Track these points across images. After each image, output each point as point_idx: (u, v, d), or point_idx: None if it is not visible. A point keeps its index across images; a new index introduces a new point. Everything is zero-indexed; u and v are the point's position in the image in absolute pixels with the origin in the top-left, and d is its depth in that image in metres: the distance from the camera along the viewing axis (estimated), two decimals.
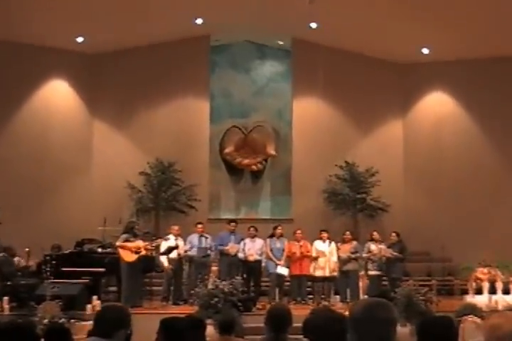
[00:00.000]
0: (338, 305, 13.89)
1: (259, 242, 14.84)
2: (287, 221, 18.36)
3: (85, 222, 17.94)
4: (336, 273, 14.76)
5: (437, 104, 19.87)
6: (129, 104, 19.66)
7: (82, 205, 18.81)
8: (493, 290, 14.65)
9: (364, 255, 14.94)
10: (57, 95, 19.19)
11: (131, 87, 19.66)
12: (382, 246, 14.97)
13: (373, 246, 14.99)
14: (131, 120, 19.82)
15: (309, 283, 15.10)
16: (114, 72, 19.78)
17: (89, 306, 12.60)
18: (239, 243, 14.76)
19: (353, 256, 14.86)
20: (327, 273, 14.67)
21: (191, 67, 19.64)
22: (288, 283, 15.06)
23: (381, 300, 3.11)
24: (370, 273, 14.91)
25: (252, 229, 14.97)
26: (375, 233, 15.37)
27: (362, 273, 15.11)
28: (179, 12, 17.49)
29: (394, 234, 15.32)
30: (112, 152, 19.48)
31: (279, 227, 15.15)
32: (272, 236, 15.04)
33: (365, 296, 14.05)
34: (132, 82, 19.67)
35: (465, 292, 15.31)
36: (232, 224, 15.12)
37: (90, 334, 4.19)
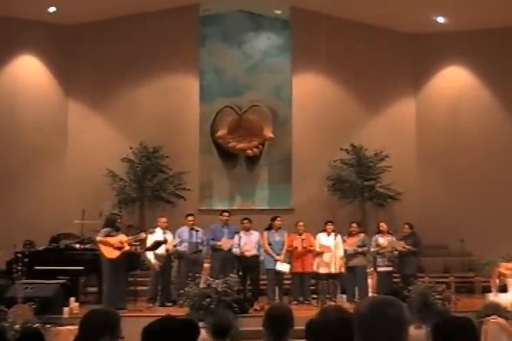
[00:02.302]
0: (345, 305, 13.88)
1: (255, 235, 14.81)
2: (287, 211, 18.39)
3: (61, 214, 17.92)
4: (342, 270, 14.75)
5: (454, 79, 19.80)
6: (108, 82, 19.59)
7: (57, 196, 18.77)
8: None
9: (372, 249, 14.93)
10: (27, 72, 19.06)
11: (110, 63, 19.59)
12: (393, 239, 14.97)
13: (381, 239, 14.98)
14: (111, 100, 19.76)
15: (313, 281, 15.11)
16: (91, 46, 19.68)
17: (66, 309, 12.58)
18: (233, 236, 14.73)
19: (359, 250, 14.85)
20: (332, 270, 14.63)
21: (178, 40, 19.58)
22: (289, 281, 15.07)
23: (389, 297, 3.09)
24: (380, 269, 14.90)
25: (245, 221, 14.93)
26: (382, 224, 15.36)
27: (371, 269, 15.11)
28: None
29: (407, 226, 15.32)
30: (90, 136, 19.43)
31: (278, 219, 15.12)
32: (269, 228, 15.02)
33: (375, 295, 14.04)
34: (112, 57, 19.59)
35: (487, 290, 15.27)
36: (225, 214, 15.10)
37: (75, 339, 4.22)
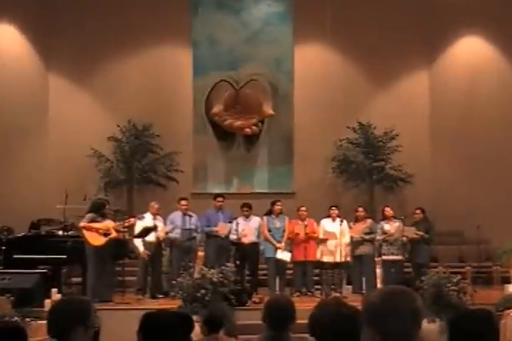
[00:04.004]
0: (351, 296, 13.88)
1: (255, 220, 14.74)
2: (288, 195, 18.42)
3: (42, 198, 17.93)
4: (348, 259, 14.73)
5: (470, 50, 19.69)
6: (93, 54, 19.48)
7: (38, 178, 18.73)
8: None
9: (378, 237, 14.87)
10: (3, 42, 18.89)
11: (95, 33, 19.48)
12: (401, 225, 14.90)
13: (387, 226, 14.93)
14: (96, 74, 19.69)
15: (316, 271, 15.12)
16: (74, 14, 19.57)
17: (47, 301, 12.54)
18: (230, 222, 14.69)
19: (367, 237, 14.85)
20: (338, 259, 14.62)
21: (169, 7, 19.48)
22: (290, 271, 15.06)
23: (402, 287, 3.13)
24: (386, 257, 14.84)
25: (245, 208, 14.80)
26: (387, 209, 15.30)
27: (380, 258, 15.09)
28: None
29: (418, 211, 15.26)
30: (73, 113, 19.38)
31: (279, 203, 15.07)
32: (269, 213, 14.97)
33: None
34: (97, 27, 19.47)
35: (506, 280, 15.30)
36: (219, 199, 15.03)
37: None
